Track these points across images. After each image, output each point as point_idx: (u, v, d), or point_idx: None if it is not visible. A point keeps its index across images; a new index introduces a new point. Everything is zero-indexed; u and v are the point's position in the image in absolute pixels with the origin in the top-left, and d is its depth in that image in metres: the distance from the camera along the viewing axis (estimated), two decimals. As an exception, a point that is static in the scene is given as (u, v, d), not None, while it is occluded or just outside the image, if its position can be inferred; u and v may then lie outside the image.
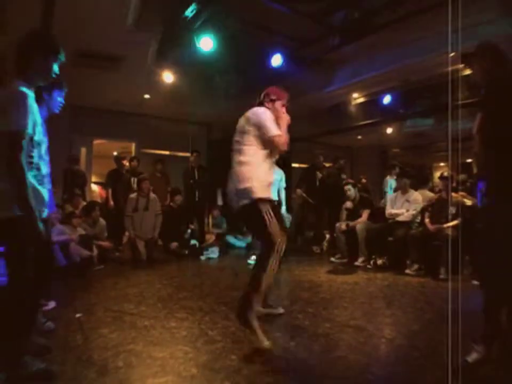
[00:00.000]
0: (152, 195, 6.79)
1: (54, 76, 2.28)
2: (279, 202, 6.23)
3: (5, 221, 2.05)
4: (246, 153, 2.88)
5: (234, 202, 2.89)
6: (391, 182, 8.22)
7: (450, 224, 5.20)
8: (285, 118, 3.16)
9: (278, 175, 6.24)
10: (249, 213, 2.81)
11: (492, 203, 2.41)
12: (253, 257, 6.22)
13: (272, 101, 3.20)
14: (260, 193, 2.75)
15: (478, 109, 2.44)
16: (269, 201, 2.82)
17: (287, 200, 7.93)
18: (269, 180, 2.94)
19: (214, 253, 6.98)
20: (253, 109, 3.06)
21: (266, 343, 2.61)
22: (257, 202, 2.73)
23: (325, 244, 7.63)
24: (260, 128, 2.87)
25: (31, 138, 2.13)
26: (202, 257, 6.70)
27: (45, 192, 2.27)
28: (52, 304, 3.52)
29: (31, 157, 2.16)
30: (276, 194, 6.15)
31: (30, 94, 2.11)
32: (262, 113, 2.95)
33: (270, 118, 2.93)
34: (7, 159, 2.00)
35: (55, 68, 2.25)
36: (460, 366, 2.23)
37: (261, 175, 2.85)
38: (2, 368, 2.10)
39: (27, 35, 2.20)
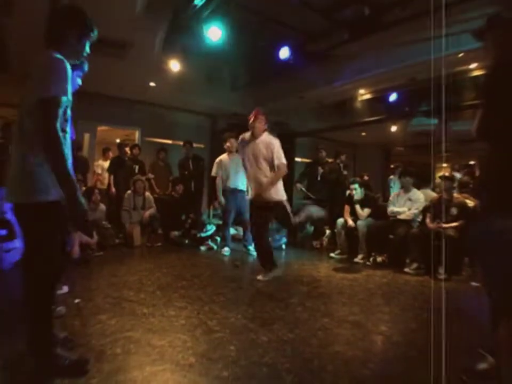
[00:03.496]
0: (147, 193, 7.08)
1: (85, 54, 2.21)
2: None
3: (38, 205, 1.94)
4: None
5: None
6: (394, 180, 8.36)
7: (451, 225, 5.22)
8: None
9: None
10: None
11: (496, 214, 1.90)
12: (226, 248, 6.39)
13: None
14: None
15: (480, 101, 2.00)
16: None
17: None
18: None
19: (215, 243, 7.03)
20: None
21: None
22: None
23: (325, 239, 7.63)
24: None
25: (65, 111, 2.00)
26: (202, 248, 6.72)
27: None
28: (65, 289, 3.51)
29: (64, 130, 2.02)
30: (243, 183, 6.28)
31: (67, 63, 1.98)
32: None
33: None
34: (42, 129, 1.86)
35: (87, 46, 2.18)
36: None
37: None
38: (35, 359, 2.05)
39: (62, 9, 2.12)
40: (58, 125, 1.88)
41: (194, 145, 7.75)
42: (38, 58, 2.00)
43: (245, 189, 6.24)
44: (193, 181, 7.49)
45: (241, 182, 6.25)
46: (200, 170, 7.65)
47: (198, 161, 7.63)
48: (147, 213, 6.89)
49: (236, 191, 6.31)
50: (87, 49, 2.18)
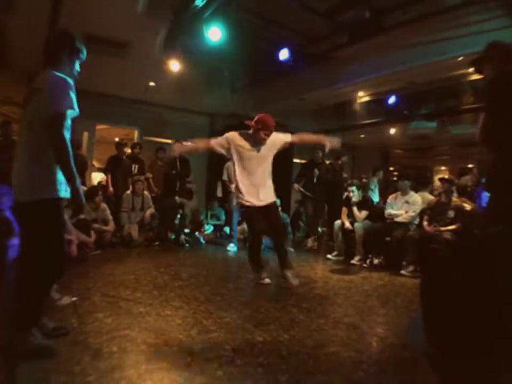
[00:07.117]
0: (146, 193, 7.12)
1: (75, 73, 2.50)
2: None
3: (40, 203, 2.20)
4: None
5: None
6: (374, 182, 8.47)
7: (448, 228, 5.24)
8: None
9: None
10: None
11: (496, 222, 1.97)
12: (231, 244, 6.68)
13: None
14: None
15: (483, 110, 2.20)
16: None
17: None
18: None
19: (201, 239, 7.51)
20: None
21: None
22: None
23: (310, 240, 7.65)
24: None
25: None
26: (187, 245, 6.97)
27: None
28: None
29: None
30: None
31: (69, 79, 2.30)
32: None
33: None
34: (53, 139, 2.17)
35: (77, 65, 2.50)
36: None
37: None
38: (15, 330, 2.23)
39: (55, 34, 2.49)
40: (67, 134, 2.23)
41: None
42: (43, 75, 2.28)
43: None
44: (178, 181, 7.51)
45: None
46: (187, 171, 7.64)
47: (185, 162, 7.62)
48: (148, 213, 6.93)
49: None
50: (77, 68, 2.50)
